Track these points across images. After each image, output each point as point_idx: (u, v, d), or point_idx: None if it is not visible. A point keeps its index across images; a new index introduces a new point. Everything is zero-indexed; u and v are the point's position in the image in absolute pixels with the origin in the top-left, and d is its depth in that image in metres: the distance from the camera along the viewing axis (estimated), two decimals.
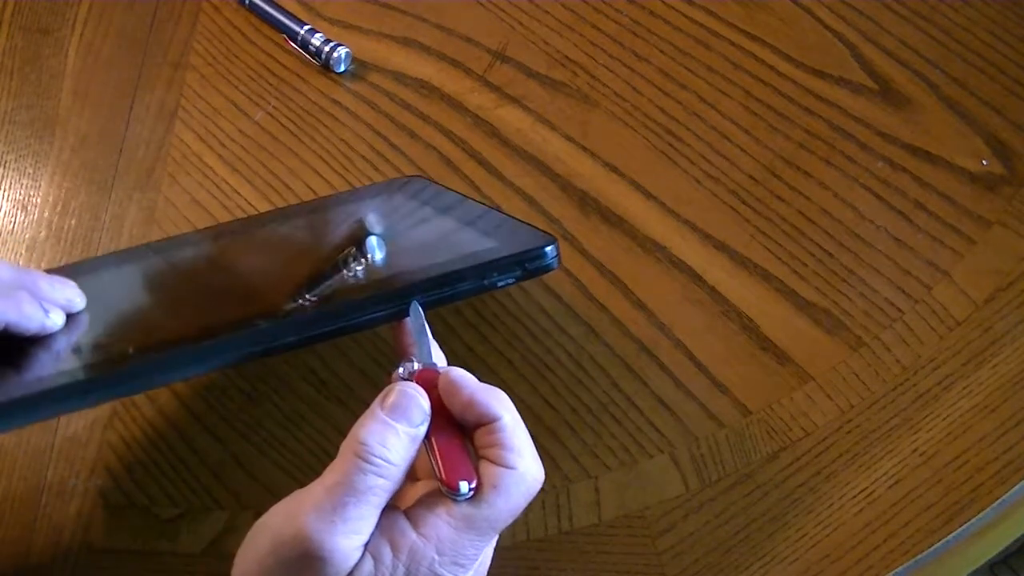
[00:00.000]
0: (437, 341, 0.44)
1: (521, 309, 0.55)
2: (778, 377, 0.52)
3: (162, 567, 0.51)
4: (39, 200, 0.62)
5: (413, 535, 0.37)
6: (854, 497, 0.49)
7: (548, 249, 0.44)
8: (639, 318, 0.54)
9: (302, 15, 0.66)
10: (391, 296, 0.43)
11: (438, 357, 0.43)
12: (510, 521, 0.39)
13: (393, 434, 0.38)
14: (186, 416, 0.54)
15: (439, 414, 0.39)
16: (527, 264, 0.44)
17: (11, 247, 0.61)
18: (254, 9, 0.67)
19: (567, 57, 0.63)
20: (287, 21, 0.65)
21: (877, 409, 0.51)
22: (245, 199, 0.60)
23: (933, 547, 0.48)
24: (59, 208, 0.62)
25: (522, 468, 0.38)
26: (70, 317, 0.46)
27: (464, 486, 0.37)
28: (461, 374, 0.40)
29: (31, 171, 0.63)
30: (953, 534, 0.48)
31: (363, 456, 0.37)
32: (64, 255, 0.60)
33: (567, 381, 0.53)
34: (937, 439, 0.50)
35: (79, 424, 0.55)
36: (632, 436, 0.52)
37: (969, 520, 0.48)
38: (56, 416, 0.45)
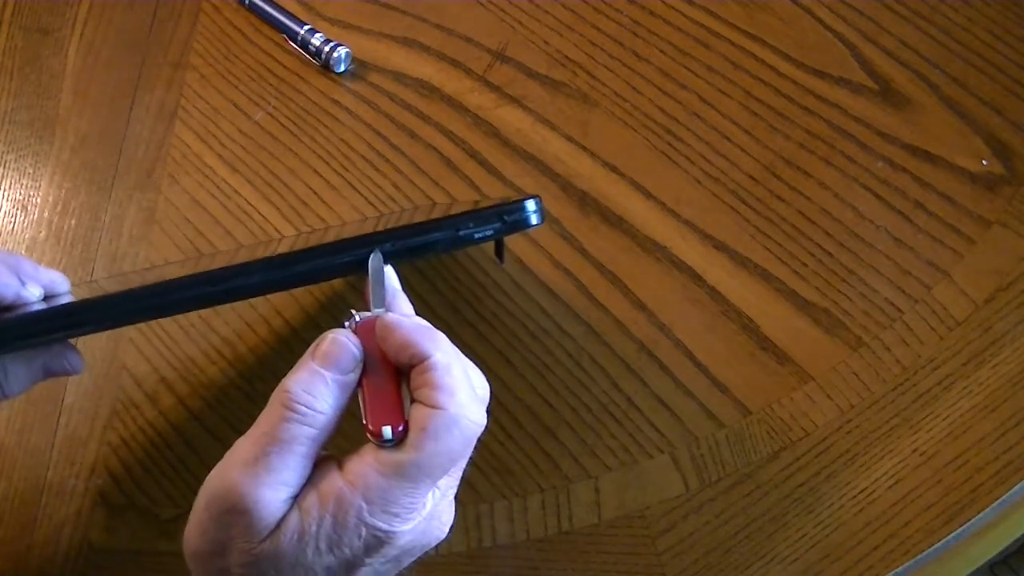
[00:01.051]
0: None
1: (521, 309, 0.55)
2: (778, 377, 0.52)
3: (162, 567, 0.51)
4: (39, 200, 0.62)
5: (340, 482, 0.35)
6: (854, 497, 0.49)
7: (528, 203, 0.43)
8: (639, 318, 0.54)
9: (302, 15, 0.66)
10: (354, 244, 0.41)
11: (407, 311, 0.40)
12: (450, 468, 0.37)
13: (321, 382, 0.36)
14: (186, 416, 0.54)
15: (380, 362, 0.37)
16: (506, 216, 0.42)
17: (11, 247, 0.61)
18: (254, 9, 0.67)
19: (567, 57, 0.63)
20: (287, 21, 0.65)
21: (877, 409, 0.51)
22: (245, 199, 0.60)
23: (933, 547, 0.48)
24: (59, 208, 0.62)
25: (454, 409, 0.35)
26: (54, 299, 0.46)
27: (387, 431, 0.35)
28: (397, 316, 0.38)
29: (31, 171, 0.63)
30: (953, 534, 0.48)
31: (288, 405, 0.36)
32: (64, 255, 0.60)
33: (567, 381, 0.53)
34: (937, 439, 0.50)
35: (79, 424, 0.55)
36: (632, 436, 0.52)
37: (969, 520, 0.48)
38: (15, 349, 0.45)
